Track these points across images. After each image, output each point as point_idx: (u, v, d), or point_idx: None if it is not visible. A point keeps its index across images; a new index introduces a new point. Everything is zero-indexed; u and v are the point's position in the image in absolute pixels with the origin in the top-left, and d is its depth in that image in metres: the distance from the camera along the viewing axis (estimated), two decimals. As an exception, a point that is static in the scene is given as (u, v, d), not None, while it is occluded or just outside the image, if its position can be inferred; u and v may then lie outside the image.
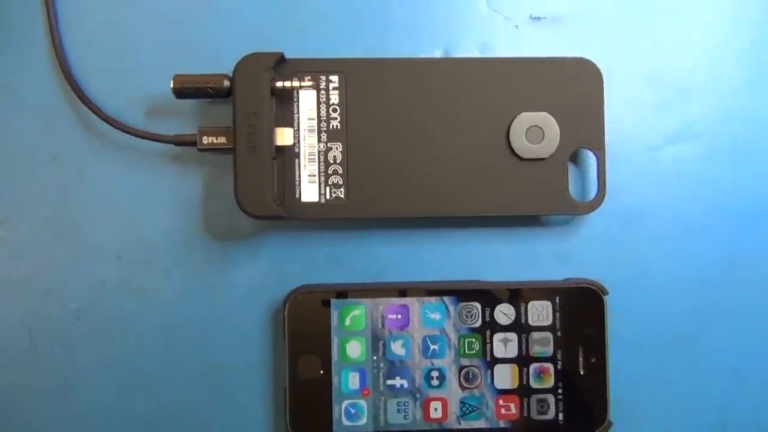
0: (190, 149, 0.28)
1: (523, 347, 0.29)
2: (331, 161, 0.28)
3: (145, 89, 0.29)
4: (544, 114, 0.28)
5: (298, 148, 0.28)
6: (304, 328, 0.28)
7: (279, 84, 0.27)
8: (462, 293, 0.29)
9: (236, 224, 0.29)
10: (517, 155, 0.28)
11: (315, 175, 0.28)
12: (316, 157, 0.28)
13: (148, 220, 0.29)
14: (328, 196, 0.28)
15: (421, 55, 0.30)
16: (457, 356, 0.29)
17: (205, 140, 0.27)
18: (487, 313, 0.29)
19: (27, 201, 0.29)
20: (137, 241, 0.29)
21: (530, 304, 0.29)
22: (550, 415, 0.29)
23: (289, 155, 0.28)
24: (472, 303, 0.29)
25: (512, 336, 0.29)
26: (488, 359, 0.29)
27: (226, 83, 0.27)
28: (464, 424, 0.29)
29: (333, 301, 0.28)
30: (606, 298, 0.29)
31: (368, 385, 0.29)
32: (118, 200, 0.29)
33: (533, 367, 0.29)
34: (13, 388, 0.29)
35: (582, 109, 0.29)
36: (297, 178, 0.28)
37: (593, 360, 0.29)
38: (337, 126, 0.28)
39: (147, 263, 0.29)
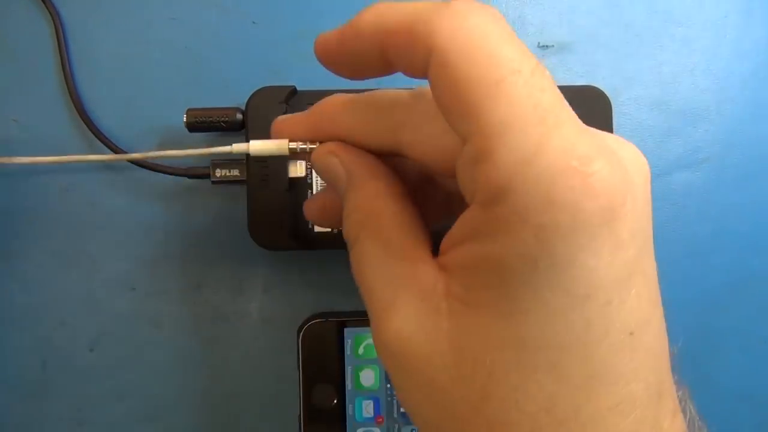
0: (203, 181, 0.28)
1: (536, 373, 0.29)
2: (344, 192, 0.28)
3: (157, 121, 0.29)
4: (554, 142, 0.29)
5: (311, 179, 0.28)
6: (317, 356, 0.29)
7: (291, 117, 0.27)
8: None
9: (249, 255, 0.29)
10: (527, 183, 0.29)
11: (327, 206, 0.28)
12: (329, 188, 0.28)
13: (161, 252, 0.29)
14: (340, 227, 0.28)
15: (431, 84, 0.30)
16: (471, 383, 0.29)
17: (219, 173, 0.27)
18: (500, 339, 0.29)
19: (39, 233, 0.29)
20: (150, 273, 0.29)
21: (542, 331, 0.29)
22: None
23: (301, 187, 0.28)
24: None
25: (525, 362, 0.29)
26: (501, 386, 0.29)
27: (239, 116, 0.27)
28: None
29: (346, 329, 0.29)
30: (617, 324, 0.29)
31: (382, 413, 0.29)
32: (131, 232, 0.29)
33: (546, 393, 0.29)
34: (27, 418, 0.29)
35: (591, 136, 0.29)
36: (310, 209, 0.28)
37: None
38: (348, 157, 0.28)
39: (160, 294, 0.29)
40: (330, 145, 0.19)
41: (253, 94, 0.27)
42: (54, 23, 0.29)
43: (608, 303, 0.14)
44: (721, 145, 0.31)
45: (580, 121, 0.14)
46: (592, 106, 0.29)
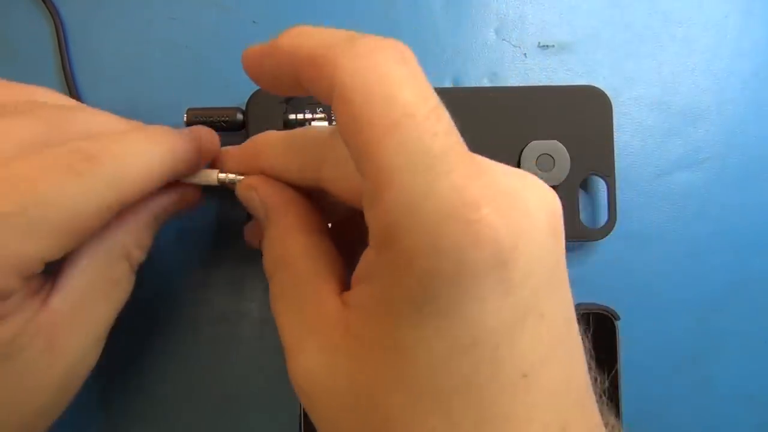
0: (203, 181, 0.28)
1: (536, 373, 0.29)
2: (344, 192, 0.28)
3: (157, 121, 0.29)
4: (554, 142, 0.29)
5: (311, 179, 0.28)
6: (317, 357, 0.29)
7: (291, 116, 0.27)
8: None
9: (249, 255, 0.29)
10: (527, 183, 0.29)
11: (328, 206, 0.28)
12: (329, 187, 0.28)
13: (161, 251, 0.29)
14: (340, 227, 0.28)
15: (431, 85, 0.30)
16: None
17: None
18: (500, 339, 0.29)
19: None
20: (149, 272, 0.29)
21: (542, 331, 0.29)
22: (564, 440, 0.29)
23: (301, 187, 0.28)
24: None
25: (525, 362, 0.29)
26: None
27: (239, 116, 0.27)
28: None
29: (346, 330, 0.29)
30: (618, 323, 0.29)
31: (382, 413, 0.29)
32: (131, 232, 0.29)
33: (546, 393, 0.29)
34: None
35: (592, 136, 0.29)
36: (310, 209, 0.28)
37: (606, 385, 0.29)
38: (349, 157, 0.28)
39: (159, 294, 0.29)
40: (251, 179, 0.20)
41: (253, 94, 0.27)
42: (54, 23, 0.29)
43: (496, 348, 0.14)
44: (722, 145, 0.31)
45: (474, 165, 0.14)
46: (592, 106, 0.29)
